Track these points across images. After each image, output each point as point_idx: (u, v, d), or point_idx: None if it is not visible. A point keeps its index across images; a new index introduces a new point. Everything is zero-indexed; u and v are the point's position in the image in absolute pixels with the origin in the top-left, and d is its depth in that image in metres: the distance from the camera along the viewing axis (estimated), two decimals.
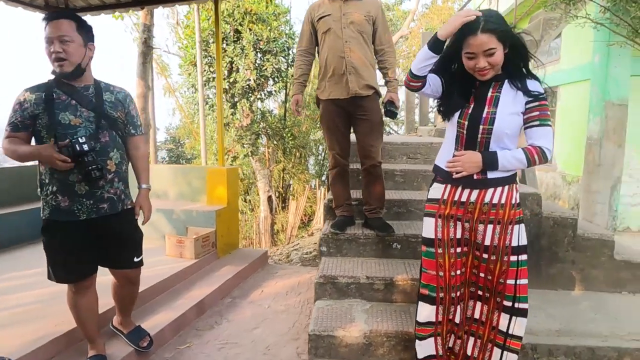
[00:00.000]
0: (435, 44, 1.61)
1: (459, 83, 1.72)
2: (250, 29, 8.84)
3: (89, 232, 1.91)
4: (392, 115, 2.74)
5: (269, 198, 11.09)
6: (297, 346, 2.48)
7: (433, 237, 1.79)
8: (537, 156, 1.64)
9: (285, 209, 11.36)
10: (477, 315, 1.78)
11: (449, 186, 1.78)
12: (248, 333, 2.67)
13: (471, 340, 1.84)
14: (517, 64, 1.66)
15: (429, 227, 1.80)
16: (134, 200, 2.08)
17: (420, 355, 1.88)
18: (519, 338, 1.73)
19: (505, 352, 1.75)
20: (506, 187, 1.72)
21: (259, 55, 9.26)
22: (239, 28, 8.85)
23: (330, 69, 2.65)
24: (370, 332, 2.08)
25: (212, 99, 9.17)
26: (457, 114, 1.73)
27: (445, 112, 1.77)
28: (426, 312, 1.83)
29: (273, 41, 9.14)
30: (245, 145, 9.99)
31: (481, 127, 1.67)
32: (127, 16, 5.88)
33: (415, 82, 1.71)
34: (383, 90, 2.80)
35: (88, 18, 4.52)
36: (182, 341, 2.58)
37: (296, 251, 5.94)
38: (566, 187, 6.99)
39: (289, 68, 9.59)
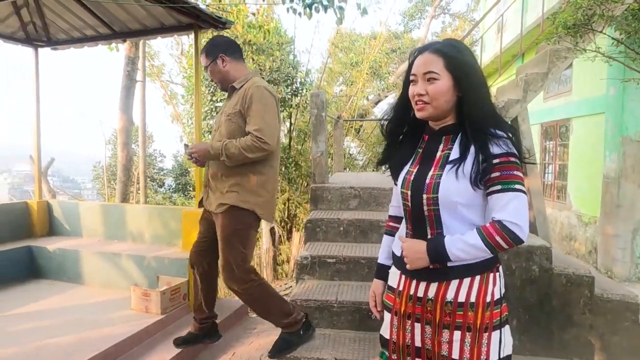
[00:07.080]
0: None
1: (406, 133, 1.41)
2: (253, 59, 8.75)
3: None
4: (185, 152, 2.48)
5: (272, 229, 10.74)
6: None
7: (388, 337, 1.40)
8: (499, 237, 1.17)
9: (291, 239, 10.96)
10: None
11: (403, 275, 1.37)
12: None
13: None
14: (472, 113, 1.23)
15: (385, 324, 1.42)
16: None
17: None
18: None
19: None
20: (477, 279, 1.25)
21: None
22: None
23: None
24: None
25: None
26: (400, 182, 1.36)
27: (391, 169, 1.43)
28: None
29: (276, 71, 9.03)
30: None
31: (425, 196, 1.26)
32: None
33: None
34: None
35: (72, 51, 4.37)
36: None
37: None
38: (582, 227, 6.47)
39: (293, 97, 9.54)
